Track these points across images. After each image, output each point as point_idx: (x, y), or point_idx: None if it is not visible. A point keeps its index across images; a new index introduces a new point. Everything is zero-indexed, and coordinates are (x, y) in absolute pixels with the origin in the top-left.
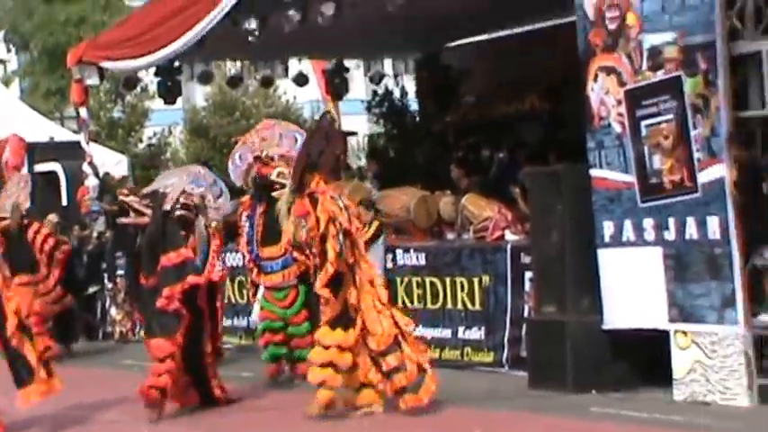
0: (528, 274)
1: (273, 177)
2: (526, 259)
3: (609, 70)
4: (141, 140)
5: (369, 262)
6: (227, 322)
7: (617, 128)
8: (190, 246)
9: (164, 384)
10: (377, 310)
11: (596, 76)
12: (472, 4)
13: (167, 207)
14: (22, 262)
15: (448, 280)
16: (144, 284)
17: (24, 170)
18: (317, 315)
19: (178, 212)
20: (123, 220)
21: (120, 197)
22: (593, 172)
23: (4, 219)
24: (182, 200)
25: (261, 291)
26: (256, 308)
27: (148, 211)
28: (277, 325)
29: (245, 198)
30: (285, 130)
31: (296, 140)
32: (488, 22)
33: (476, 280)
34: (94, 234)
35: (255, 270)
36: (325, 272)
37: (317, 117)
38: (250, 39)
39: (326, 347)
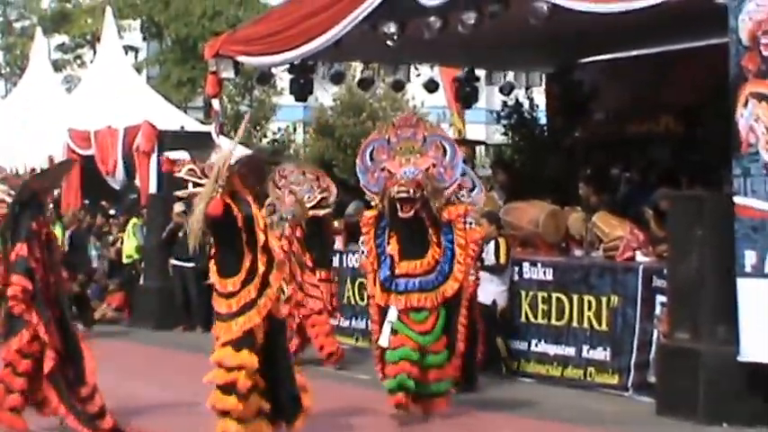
0: (659, 298)
1: (182, 175)
2: (657, 282)
3: (760, 97)
4: (266, 135)
5: None
6: (344, 323)
7: (765, 156)
8: None
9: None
10: None
11: (746, 102)
12: (610, 22)
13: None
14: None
15: (575, 297)
16: None
17: (154, 157)
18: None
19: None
20: None
21: None
22: (737, 199)
23: None
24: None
25: (392, 312)
26: (387, 331)
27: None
28: (417, 356)
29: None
30: (431, 134)
31: (444, 151)
32: (623, 41)
33: (604, 299)
34: None
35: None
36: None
37: (443, 124)
38: (389, 43)
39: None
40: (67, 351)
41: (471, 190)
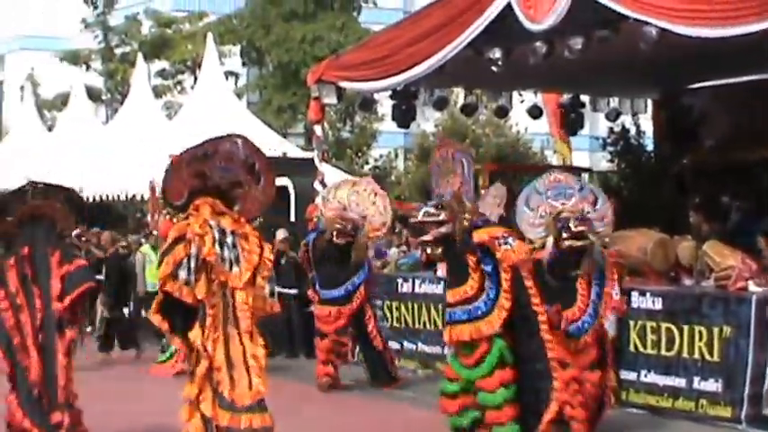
0: None
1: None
2: None
3: None
4: (367, 162)
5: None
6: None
7: None
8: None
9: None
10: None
11: None
12: (720, 47)
13: None
14: None
15: (686, 327)
16: None
17: None
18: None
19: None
20: None
21: None
22: None
23: None
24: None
25: None
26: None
27: None
28: (454, 388)
29: None
30: (455, 151)
31: (462, 166)
32: (733, 66)
33: (716, 329)
34: None
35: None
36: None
37: (547, 151)
38: (493, 68)
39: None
40: (45, 377)
41: (594, 203)
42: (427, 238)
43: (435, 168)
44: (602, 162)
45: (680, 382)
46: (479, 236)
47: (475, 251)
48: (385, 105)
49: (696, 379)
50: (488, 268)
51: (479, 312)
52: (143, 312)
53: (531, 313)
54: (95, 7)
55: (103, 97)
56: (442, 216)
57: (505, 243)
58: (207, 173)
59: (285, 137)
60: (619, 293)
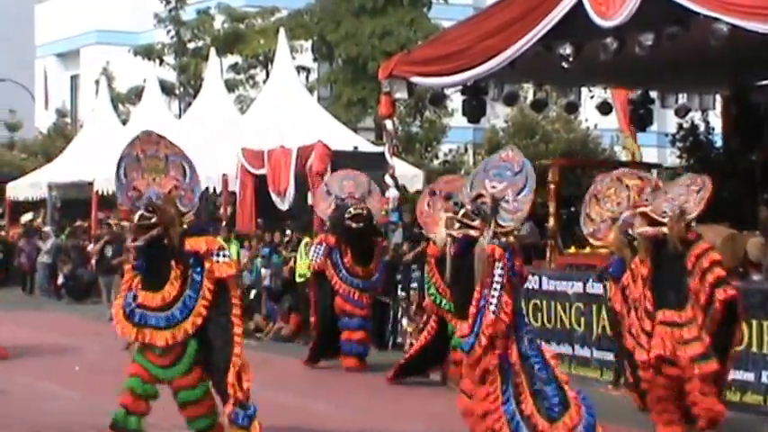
0: None
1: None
2: None
3: None
4: (437, 156)
5: None
6: None
7: None
8: None
9: None
10: None
11: None
12: None
13: None
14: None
15: (754, 322)
16: None
17: (327, 177)
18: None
19: None
20: None
21: None
22: None
23: None
24: None
25: None
26: None
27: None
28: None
29: None
30: (171, 153)
31: (184, 172)
32: None
33: None
34: (391, 245)
35: None
36: None
37: (616, 147)
38: (564, 64)
39: None
40: None
41: (519, 192)
42: (138, 243)
43: (130, 160)
44: (671, 158)
45: (748, 376)
46: (196, 243)
47: (186, 258)
48: (455, 101)
49: (764, 373)
50: (198, 277)
51: (175, 320)
52: None
53: None
54: (168, 2)
55: (176, 91)
56: (154, 219)
57: (221, 255)
58: None
59: (356, 131)
60: (497, 308)
